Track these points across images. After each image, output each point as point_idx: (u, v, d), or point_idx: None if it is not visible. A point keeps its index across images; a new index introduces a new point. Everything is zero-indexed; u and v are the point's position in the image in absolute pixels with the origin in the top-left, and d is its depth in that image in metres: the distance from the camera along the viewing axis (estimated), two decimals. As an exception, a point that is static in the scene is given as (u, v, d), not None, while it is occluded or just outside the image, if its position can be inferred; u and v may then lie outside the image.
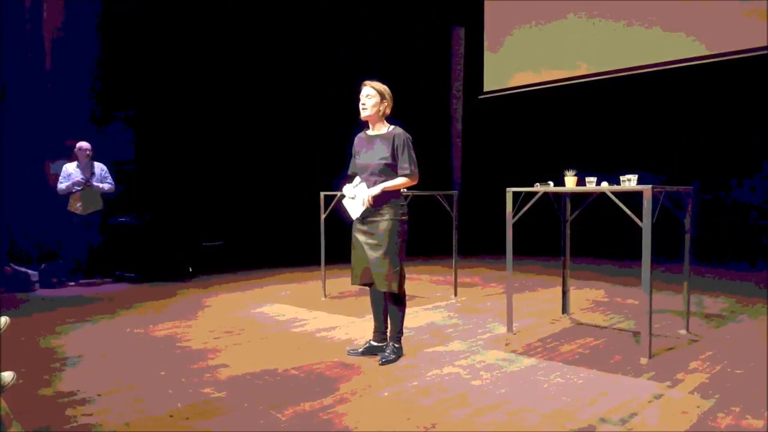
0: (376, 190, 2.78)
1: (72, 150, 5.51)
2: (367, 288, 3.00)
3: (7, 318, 2.62)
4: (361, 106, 2.86)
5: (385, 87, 2.87)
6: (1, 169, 5.42)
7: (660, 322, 3.63)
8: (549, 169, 3.79)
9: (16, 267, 5.22)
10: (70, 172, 5.48)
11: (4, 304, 4.47)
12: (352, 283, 2.99)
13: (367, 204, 2.80)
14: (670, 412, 2.20)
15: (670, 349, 3.08)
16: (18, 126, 5.66)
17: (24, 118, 5.68)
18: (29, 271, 5.23)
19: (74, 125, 5.79)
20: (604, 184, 3.07)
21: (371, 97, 2.83)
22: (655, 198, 2.82)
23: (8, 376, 2.43)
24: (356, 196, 2.87)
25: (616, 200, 2.92)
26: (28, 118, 5.70)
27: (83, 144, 5.52)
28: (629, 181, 2.95)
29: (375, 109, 2.84)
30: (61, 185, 5.46)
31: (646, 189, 2.78)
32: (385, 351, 2.91)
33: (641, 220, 2.79)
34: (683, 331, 3.40)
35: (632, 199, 2.87)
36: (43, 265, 5.35)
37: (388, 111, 2.87)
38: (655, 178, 3.21)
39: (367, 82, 2.87)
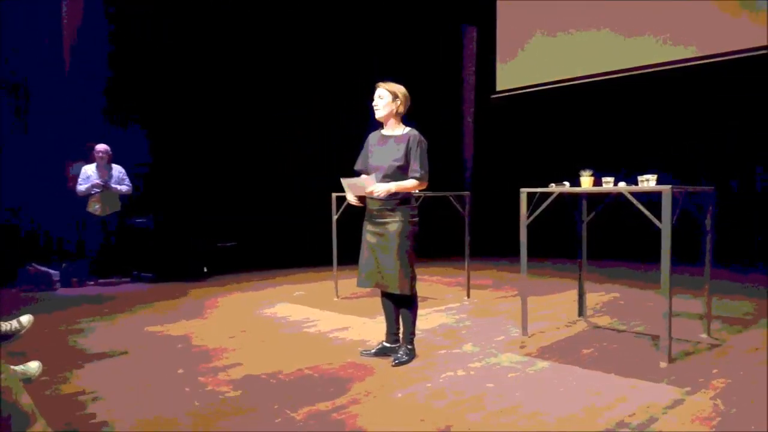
0: (385, 187, 2.75)
1: (91, 151, 5.62)
2: (378, 289, 2.99)
3: (31, 316, 2.68)
4: (374, 107, 2.88)
5: (400, 87, 2.87)
6: (24, 171, 5.55)
7: (679, 326, 3.56)
8: (562, 169, 3.73)
9: (39, 267, 5.34)
10: (89, 174, 5.59)
11: (27, 302, 4.57)
12: (358, 285, 2.94)
13: (367, 193, 2.79)
14: (690, 418, 2.15)
15: (690, 353, 3.02)
16: (39, 127, 5.78)
17: (44, 119, 5.80)
18: (51, 271, 5.35)
19: (92, 127, 5.89)
20: (622, 185, 3.02)
21: (383, 98, 2.84)
22: (674, 198, 2.76)
23: (35, 366, 2.48)
24: (361, 185, 2.80)
25: (635, 201, 2.86)
26: (49, 119, 5.82)
27: (101, 146, 5.61)
28: (648, 181, 2.90)
29: (387, 109, 2.85)
30: (80, 187, 5.57)
31: (666, 189, 2.73)
32: (398, 352, 2.91)
33: (660, 221, 2.74)
34: (704, 335, 3.33)
35: (650, 199, 2.82)
36: (63, 265, 5.47)
37: (402, 110, 2.87)
38: (673, 179, 3.14)
39: (380, 84, 2.87)
